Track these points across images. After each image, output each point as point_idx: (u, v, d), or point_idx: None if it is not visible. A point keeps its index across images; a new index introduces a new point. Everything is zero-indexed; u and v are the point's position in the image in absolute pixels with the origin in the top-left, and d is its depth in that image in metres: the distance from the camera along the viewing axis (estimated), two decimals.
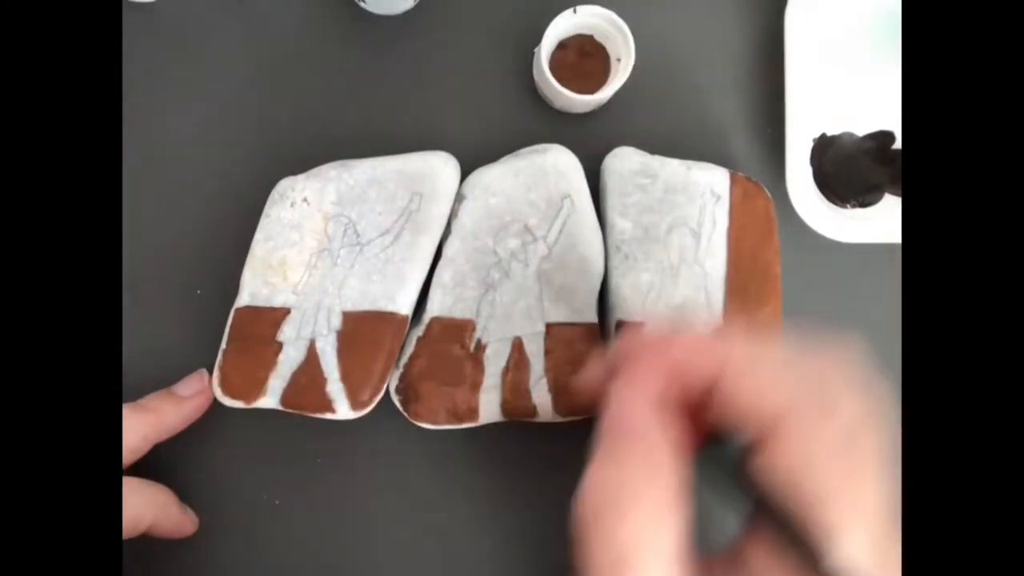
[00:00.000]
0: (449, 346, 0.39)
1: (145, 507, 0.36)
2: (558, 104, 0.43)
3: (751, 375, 0.25)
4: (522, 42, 0.44)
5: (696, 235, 0.40)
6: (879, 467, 0.24)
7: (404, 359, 0.39)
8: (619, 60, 0.42)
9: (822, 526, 0.23)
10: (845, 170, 0.43)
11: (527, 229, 0.40)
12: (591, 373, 0.31)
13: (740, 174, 0.42)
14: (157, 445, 0.38)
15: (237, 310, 0.40)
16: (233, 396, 0.39)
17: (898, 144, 0.44)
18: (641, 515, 0.25)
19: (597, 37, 0.43)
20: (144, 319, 0.42)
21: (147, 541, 0.38)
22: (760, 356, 0.26)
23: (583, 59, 0.43)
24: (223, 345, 0.39)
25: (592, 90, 0.41)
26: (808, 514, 0.24)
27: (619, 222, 0.40)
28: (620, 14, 0.41)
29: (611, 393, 0.28)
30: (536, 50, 0.42)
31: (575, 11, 0.41)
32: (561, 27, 0.41)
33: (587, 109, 0.43)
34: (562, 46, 0.43)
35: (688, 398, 0.27)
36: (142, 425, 0.37)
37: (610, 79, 0.42)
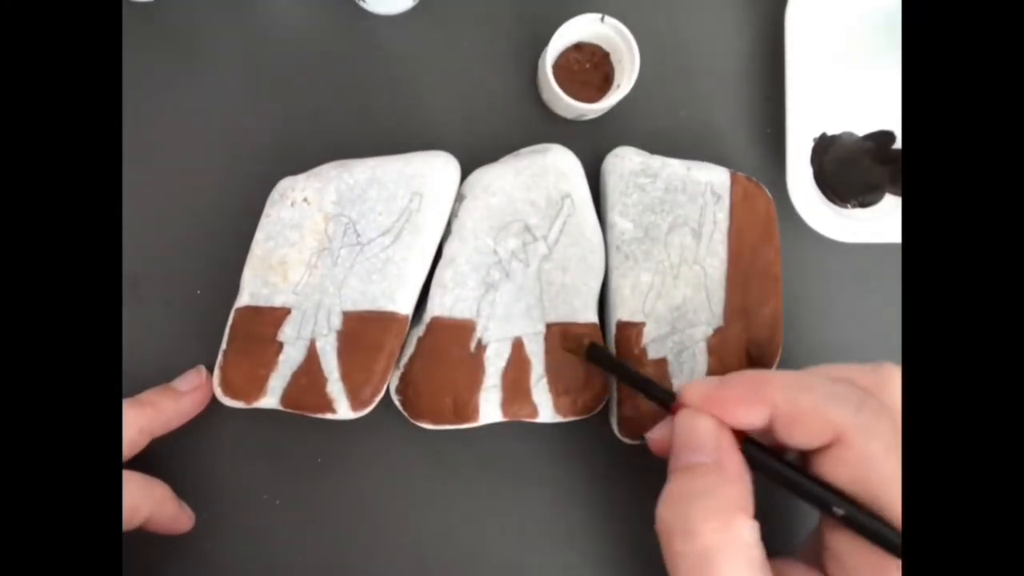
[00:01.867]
0: (449, 346, 0.39)
1: (142, 499, 0.36)
2: (550, 103, 0.43)
3: (801, 408, 0.30)
4: (523, 42, 0.44)
5: (696, 235, 0.40)
6: None
7: (404, 359, 0.39)
8: (619, 87, 0.42)
9: (893, 507, 0.28)
10: (845, 170, 0.43)
11: (527, 229, 0.40)
12: (659, 431, 0.35)
13: (740, 174, 0.42)
14: (156, 442, 0.38)
15: (237, 310, 0.40)
16: (233, 396, 0.39)
17: (898, 144, 0.44)
18: (720, 518, 0.28)
19: (605, 47, 0.43)
20: (144, 319, 0.42)
21: (147, 541, 0.38)
22: (804, 387, 0.30)
23: (587, 67, 0.43)
24: (223, 345, 0.39)
25: (588, 99, 0.41)
26: (878, 501, 0.28)
27: (619, 222, 0.40)
28: (621, 12, 0.41)
29: (679, 421, 0.32)
30: (545, 50, 0.41)
31: (603, 19, 0.40)
32: (575, 31, 0.41)
33: (573, 116, 0.43)
34: (576, 48, 0.43)
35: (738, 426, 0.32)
36: (139, 418, 0.37)
37: (606, 96, 0.41)
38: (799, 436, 0.30)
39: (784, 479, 0.31)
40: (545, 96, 0.43)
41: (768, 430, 0.31)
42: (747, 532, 0.29)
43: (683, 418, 0.32)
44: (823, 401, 0.29)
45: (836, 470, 0.29)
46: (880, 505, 0.28)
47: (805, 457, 0.32)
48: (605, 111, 0.43)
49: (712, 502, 0.29)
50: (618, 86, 0.42)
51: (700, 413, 0.31)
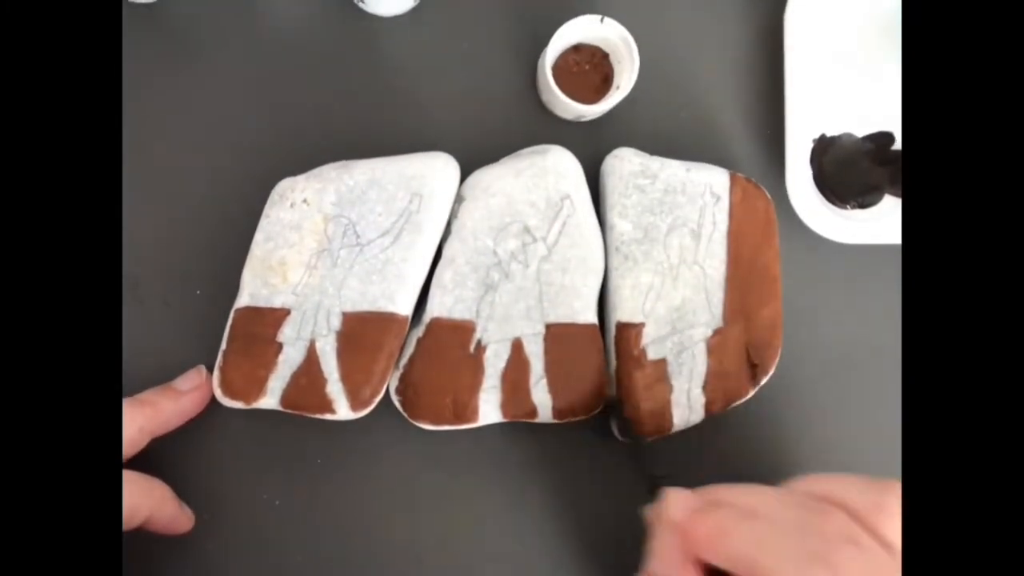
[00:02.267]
0: (449, 347, 0.39)
1: (142, 498, 0.36)
2: (550, 104, 0.43)
3: (760, 564, 0.29)
4: (522, 43, 0.44)
5: (696, 236, 0.40)
6: None
7: (404, 360, 0.39)
8: (618, 88, 0.42)
9: None
10: (845, 171, 0.43)
11: (527, 230, 0.40)
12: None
13: (740, 175, 0.42)
14: (157, 442, 0.38)
15: (237, 310, 0.40)
16: (233, 397, 0.39)
17: (898, 145, 0.44)
18: None
19: (605, 49, 0.43)
20: (144, 319, 0.42)
21: (147, 540, 0.38)
22: (765, 548, 0.29)
23: (586, 69, 0.43)
24: (223, 346, 0.39)
25: (587, 100, 0.41)
26: None
27: (619, 223, 0.40)
28: (621, 13, 0.41)
29: (657, 531, 0.33)
30: (544, 51, 0.41)
31: (602, 20, 0.40)
32: (574, 32, 0.41)
33: (572, 117, 0.43)
34: (575, 49, 0.43)
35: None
36: (138, 417, 0.37)
37: (606, 97, 0.41)
38: None
39: None
40: (544, 97, 0.43)
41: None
42: None
43: (660, 530, 0.32)
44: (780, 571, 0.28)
45: None
46: None
47: None
48: (604, 112, 0.43)
49: None
50: (617, 87, 0.42)
51: (674, 533, 0.31)
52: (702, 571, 0.31)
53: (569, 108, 0.41)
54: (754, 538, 0.29)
